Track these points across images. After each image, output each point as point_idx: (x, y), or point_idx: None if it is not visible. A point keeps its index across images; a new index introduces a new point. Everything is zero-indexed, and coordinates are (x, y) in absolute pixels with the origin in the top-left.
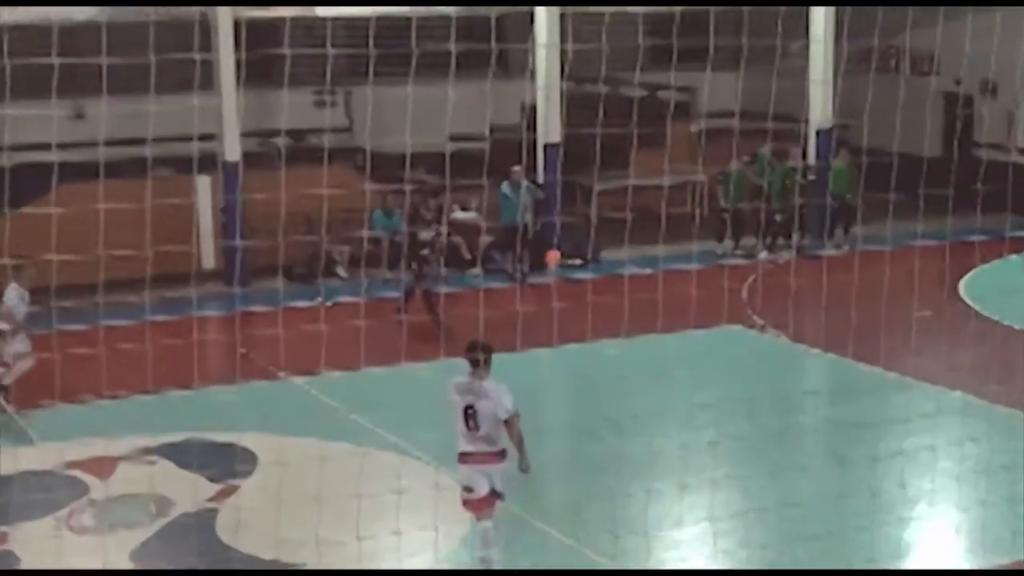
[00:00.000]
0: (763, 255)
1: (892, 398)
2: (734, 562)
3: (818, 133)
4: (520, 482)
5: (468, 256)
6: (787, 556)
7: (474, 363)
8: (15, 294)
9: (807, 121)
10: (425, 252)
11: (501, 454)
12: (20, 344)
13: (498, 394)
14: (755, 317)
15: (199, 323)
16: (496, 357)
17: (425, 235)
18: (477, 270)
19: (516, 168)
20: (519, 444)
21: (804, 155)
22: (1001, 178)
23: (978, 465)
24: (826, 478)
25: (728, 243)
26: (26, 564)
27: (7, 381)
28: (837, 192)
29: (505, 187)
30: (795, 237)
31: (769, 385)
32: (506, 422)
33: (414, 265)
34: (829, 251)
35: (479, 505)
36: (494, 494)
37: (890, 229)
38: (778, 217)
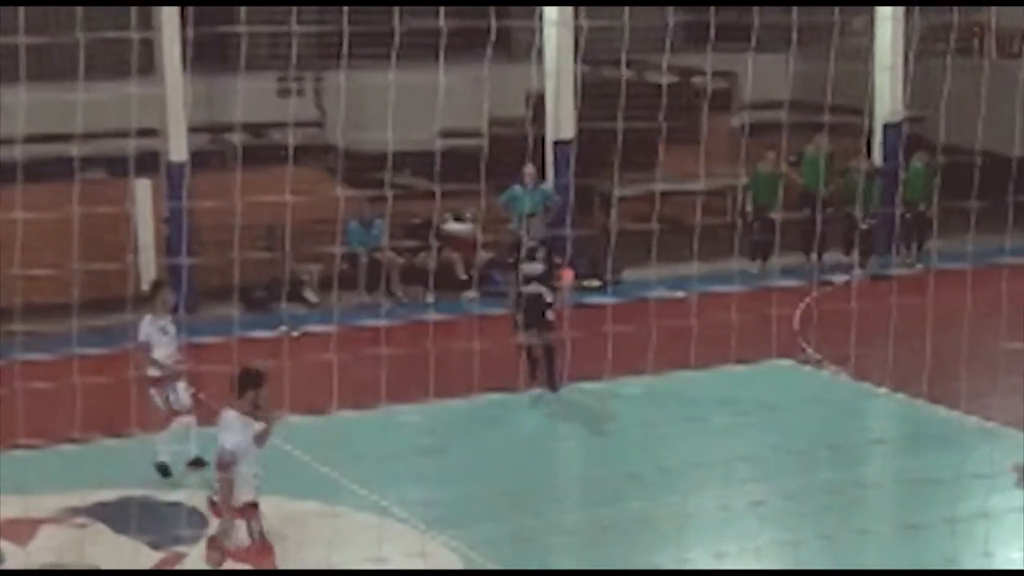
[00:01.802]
0: (856, 272)
1: (974, 449)
2: None
3: (885, 128)
4: (526, 551)
5: (463, 276)
6: None
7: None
8: None
9: (871, 114)
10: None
11: None
12: None
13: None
14: (809, 350)
15: (136, 356)
16: (493, 398)
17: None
18: (472, 293)
19: (528, 168)
20: None
21: (868, 154)
22: None
23: None
24: (894, 546)
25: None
26: None
27: None
28: (910, 199)
29: (515, 191)
30: (855, 254)
31: (825, 433)
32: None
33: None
34: (899, 270)
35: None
36: None
37: (972, 244)
38: (864, 225)
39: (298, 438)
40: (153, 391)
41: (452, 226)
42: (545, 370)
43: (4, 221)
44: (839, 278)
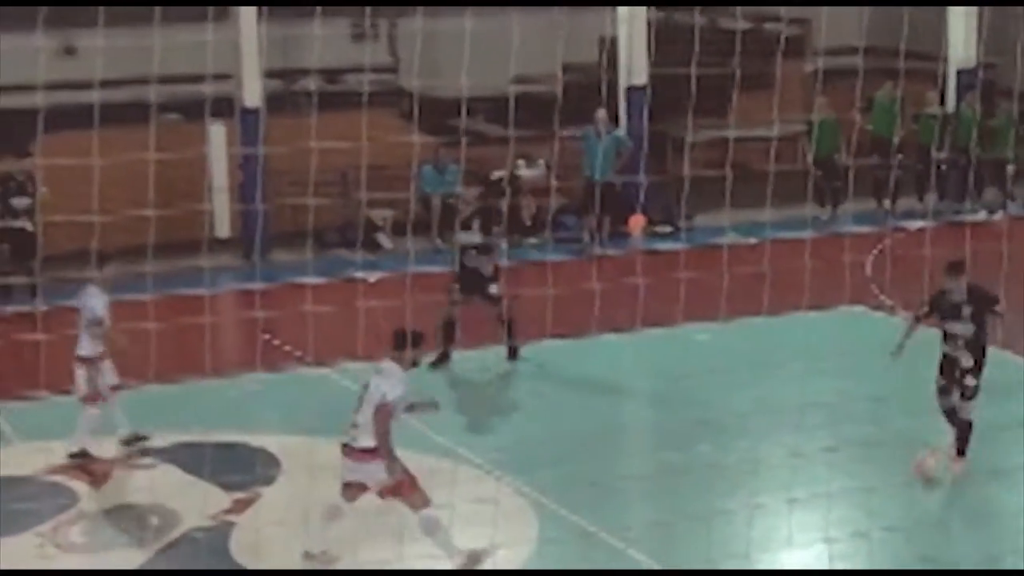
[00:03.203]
0: (981, 215)
1: None
2: None
3: (958, 74)
4: (598, 497)
5: (530, 221)
6: None
7: None
8: None
9: (946, 59)
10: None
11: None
12: None
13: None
14: (882, 296)
15: (212, 301)
16: (564, 344)
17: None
18: (543, 238)
19: (600, 112)
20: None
21: (942, 100)
22: None
23: None
24: (972, 493)
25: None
26: None
27: None
28: (993, 147)
29: (586, 134)
30: (930, 199)
31: (898, 379)
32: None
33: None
34: (977, 216)
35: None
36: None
37: None
38: (938, 170)
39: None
40: (81, 371)
41: (523, 170)
42: (506, 339)
43: (83, 165)
44: (912, 224)
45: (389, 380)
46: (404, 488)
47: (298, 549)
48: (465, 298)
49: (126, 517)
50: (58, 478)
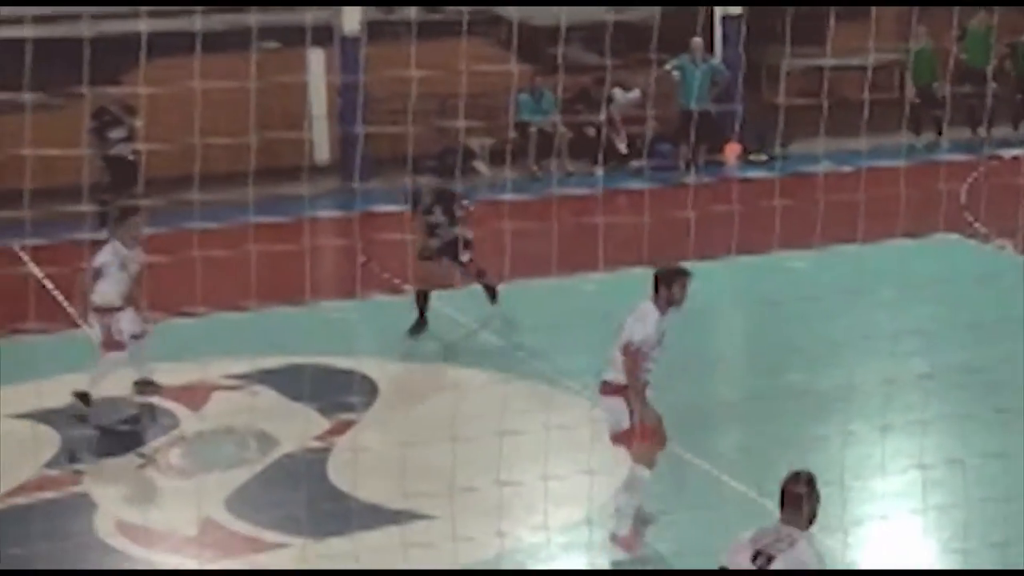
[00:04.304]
0: None
1: None
2: (946, 520)
3: None
4: (691, 423)
5: (625, 149)
6: (1013, 514)
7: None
8: None
9: None
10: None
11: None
12: None
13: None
14: (976, 224)
15: (311, 225)
16: (650, 272)
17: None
18: (640, 163)
19: (696, 39)
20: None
21: None
22: None
23: None
24: None
25: (929, 135)
26: (104, 509)
27: None
28: None
29: (682, 62)
30: None
31: (993, 306)
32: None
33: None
34: None
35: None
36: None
37: None
38: None
39: (470, 308)
40: (94, 319)
41: (619, 96)
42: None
43: (184, 91)
44: (1007, 152)
45: (640, 321)
46: (634, 438)
47: (396, 471)
48: (438, 262)
49: (225, 440)
50: (160, 401)
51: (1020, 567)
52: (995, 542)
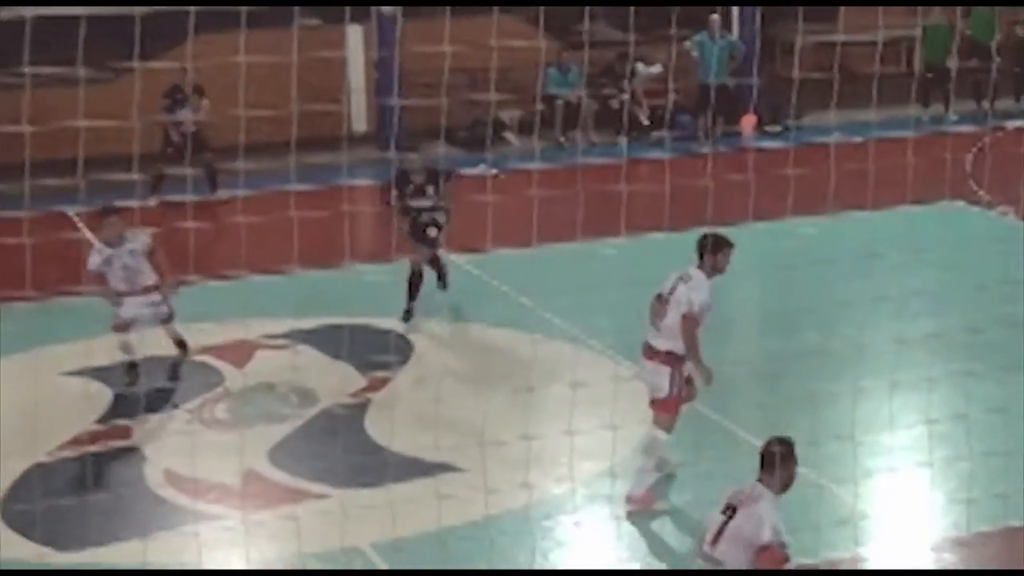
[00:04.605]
0: None
1: None
2: (951, 472)
3: None
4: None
5: (647, 121)
6: (1015, 466)
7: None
8: None
9: None
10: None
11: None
12: None
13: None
14: (980, 192)
15: (349, 193)
16: (677, 236)
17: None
18: (661, 134)
19: (714, 16)
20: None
21: None
22: None
23: None
24: None
25: (937, 107)
26: (152, 461)
27: None
28: None
29: (701, 38)
30: None
31: (997, 269)
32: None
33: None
34: None
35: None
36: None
37: None
38: None
39: (500, 271)
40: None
41: (642, 69)
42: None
43: (228, 64)
44: (1010, 123)
45: (696, 289)
46: (667, 407)
47: (429, 426)
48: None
49: (267, 395)
50: (206, 358)
51: (1021, 518)
52: (998, 493)
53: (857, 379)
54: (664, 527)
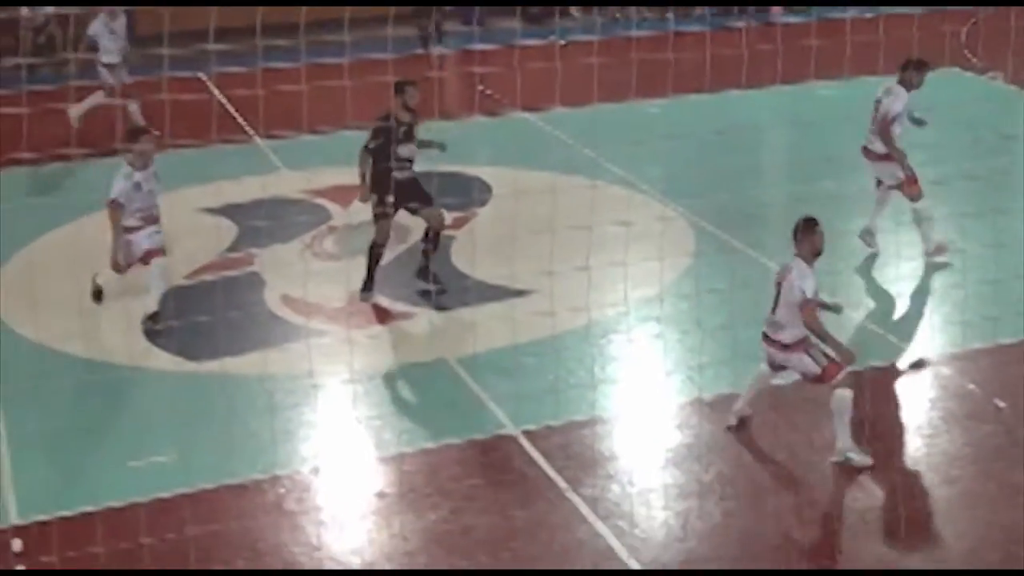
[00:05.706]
0: None
1: None
2: (950, 298)
3: None
4: (741, 220)
5: None
6: (1005, 294)
7: None
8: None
9: None
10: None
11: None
12: None
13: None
14: (974, 59)
15: (439, 58)
16: (712, 97)
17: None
18: (702, 11)
19: None
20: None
21: None
22: None
23: None
24: None
25: None
26: (271, 285)
27: None
28: None
29: None
30: None
31: (989, 125)
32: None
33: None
34: None
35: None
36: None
37: None
38: None
39: (566, 126)
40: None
41: None
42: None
43: None
44: None
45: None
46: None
47: (504, 258)
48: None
49: (368, 231)
50: (317, 199)
51: (1010, 338)
52: (988, 316)
53: (867, 219)
54: (704, 343)
